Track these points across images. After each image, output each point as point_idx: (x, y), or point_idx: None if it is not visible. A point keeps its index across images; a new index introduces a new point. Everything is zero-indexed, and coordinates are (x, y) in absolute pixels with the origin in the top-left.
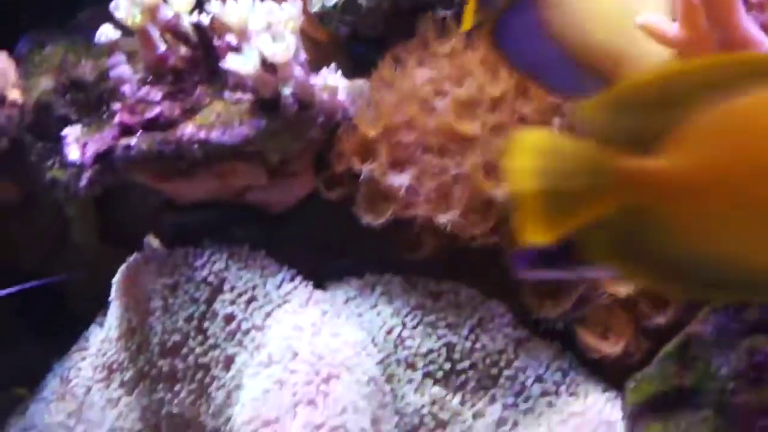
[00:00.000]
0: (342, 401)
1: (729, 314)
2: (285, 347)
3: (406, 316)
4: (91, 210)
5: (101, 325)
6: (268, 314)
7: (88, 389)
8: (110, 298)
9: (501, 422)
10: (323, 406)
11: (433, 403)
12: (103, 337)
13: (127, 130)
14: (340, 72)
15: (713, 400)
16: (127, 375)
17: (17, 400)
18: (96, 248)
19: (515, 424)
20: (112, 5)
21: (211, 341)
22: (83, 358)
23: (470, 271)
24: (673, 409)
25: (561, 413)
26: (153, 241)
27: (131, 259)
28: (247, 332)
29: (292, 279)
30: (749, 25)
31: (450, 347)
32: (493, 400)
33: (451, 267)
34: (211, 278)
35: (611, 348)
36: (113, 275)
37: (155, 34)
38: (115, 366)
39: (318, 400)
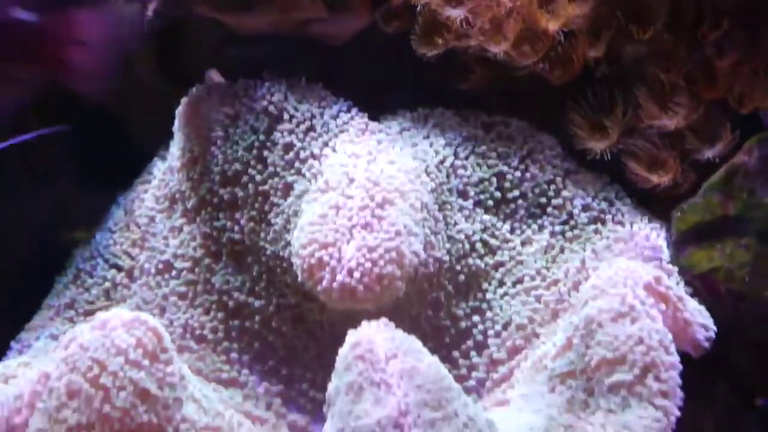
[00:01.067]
0: (396, 225)
1: None
2: (341, 174)
3: (458, 146)
4: (153, 46)
5: (163, 158)
6: (325, 143)
7: (151, 219)
8: (173, 129)
9: (548, 248)
10: (378, 229)
11: (484, 230)
12: (166, 168)
13: None
14: None
15: (756, 228)
16: (189, 204)
17: (77, 243)
18: (158, 83)
19: (562, 250)
20: None
21: (270, 169)
22: (146, 190)
23: (521, 104)
24: (717, 237)
25: (606, 239)
26: (214, 74)
27: (193, 90)
28: (305, 161)
29: (348, 110)
30: None
31: (500, 177)
32: (541, 228)
33: (503, 100)
34: (270, 108)
35: (659, 179)
36: (174, 111)
37: None
38: (177, 195)
39: (373, 223)
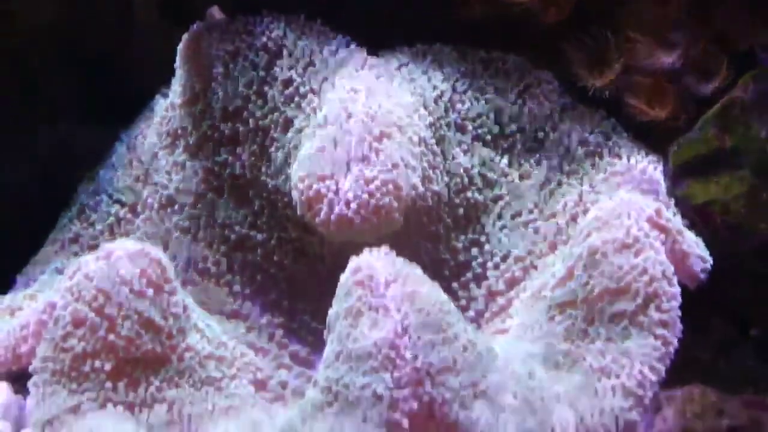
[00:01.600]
0: (393, 158)
1: None
2: (340, 108)
3: (457, 81)
4: None
5: (165, 95)
6: (324, 78)
7: (154, 155)
8: (175, 66)
9: (546, 182)
10: (375, 162)
11: (482, 164)
12: (168, 105)
13: None
14: None
15: (752, 161)
16: (191, 139)
17: (82, 180)
18: (158, 25)
19: (559, 183)
20: None
21: (270, 105)
22: (149, 127)
23: (519, 41)
24: (713, 170)
25: (603, 173)
26: (215, 11)
27: (194, 27)
28: (304, 96)
29: (347, 45)
30: None
31: (498, 111)
32: (539, 161)
33: (501, 37)
34: (269, 44)
35: (657, 112)
36: (175, 51)
37: None
38: (179, 132)
39: (370, 156)
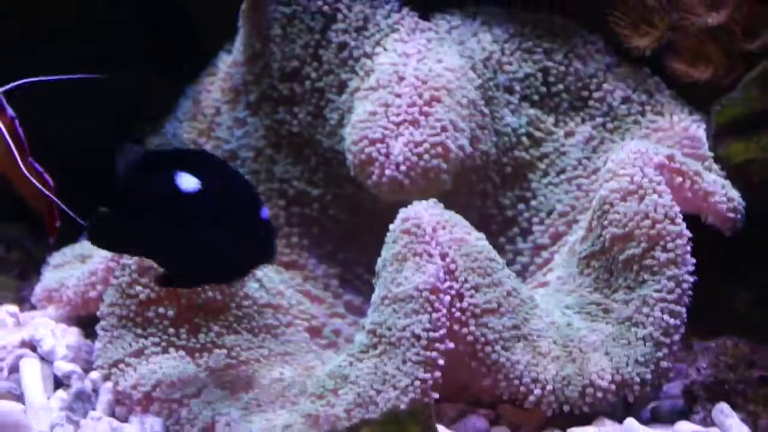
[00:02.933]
0: (442, 121)
1: None
2: (392, 72)
3: (505, 43)
4: None
5: (228, 52)
6: (377, 42)
7: (217, 110)
8: (238, 25)
9: (590, 139)
10: (424, 125)
11: (529, 123)
12: (231, 62)
13: None
14: None
15: None
16: (252, 97)
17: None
18: None
19: (602, 141)
20: None
21: (325, 67)
22: (212, 82)
23: (567, 2)
24: (754, 131)
25: (646, 129)
26: None
27: None
28: (358, 59)
29: (399, 9)
30: None
31: (545, 72)
32: (583, 120)
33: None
34: (325, 8)
35: (700, 74)
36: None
37: None
38: (241, 88)
39: (420, 120)
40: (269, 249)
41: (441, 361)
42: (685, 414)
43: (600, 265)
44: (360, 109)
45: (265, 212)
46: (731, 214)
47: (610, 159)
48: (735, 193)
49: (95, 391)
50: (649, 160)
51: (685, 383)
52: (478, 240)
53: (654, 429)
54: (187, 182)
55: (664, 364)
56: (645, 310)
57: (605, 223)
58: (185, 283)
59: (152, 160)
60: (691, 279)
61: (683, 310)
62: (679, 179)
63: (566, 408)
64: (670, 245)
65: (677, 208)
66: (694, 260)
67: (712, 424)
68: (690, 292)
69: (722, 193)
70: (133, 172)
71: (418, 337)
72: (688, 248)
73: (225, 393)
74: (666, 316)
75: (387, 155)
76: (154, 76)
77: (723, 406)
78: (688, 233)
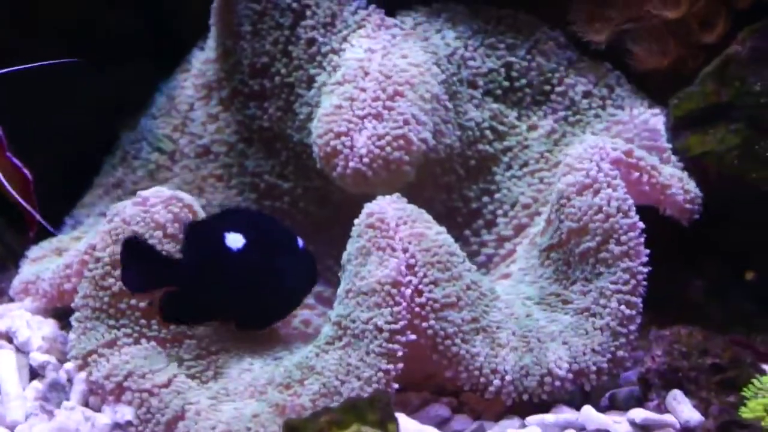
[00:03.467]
0: (405, 115)
1: (765, 35)
2: (357, 68)
3: (469, 39)
4: None
5: (201, 48)
6: (344, 38)
7: (191, 106)
8: (210, 23)
9: (552, 133)
10: (387, 119)
11: (493, 117)
12: (204, 59)
13: None
14: None
15: (746, 114)
16: (224, 93)
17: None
18: None
19: (564, 134)
20: None
21: (295, 63)
22: (186, 79)
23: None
24: (710, 123)
25: (606, 122)
26: None
27: None
28: (325, 54)
29: (366, 6)
30: None
31: (508, 67)
32: (545, 114)
33: None
34: (294, 5)
35: (659, 63)
36: None
37: None
38: (213, 85)
39: (383, 113)
40: (313, 273)
41: (401, 353)
42: (640, 401)
43: (558, 258)
44: (326, 103)
45: (301, 243)
46: (688, 206)
47: (568, 153)
48: (692, 185)
49: (70, 381)
50: (606, 155)
51: (641, 371)
52: (438, 234)
53: (610, 416)
54: (235, 241)
55: (620, 353)
56: (602, 301)
57: (562, 216)
58: (257, 326)
59: (198, 230)
60: (645, 270)
61: (639, 300)
62: (636, 174)
63: (525, 397)
64: (623, 238)
65: (631, 201)
66: (647, 251)
67: (666, 410)
68: (645, 283)
69: (679, 186)
70: (187, 247)
71: (381, 330)
72: (641, 240)
73: (195, 383)
74: (622, 307)
75: (351, 148)
76: (135, 73)
77: (676, 393)
78: (641, 225)
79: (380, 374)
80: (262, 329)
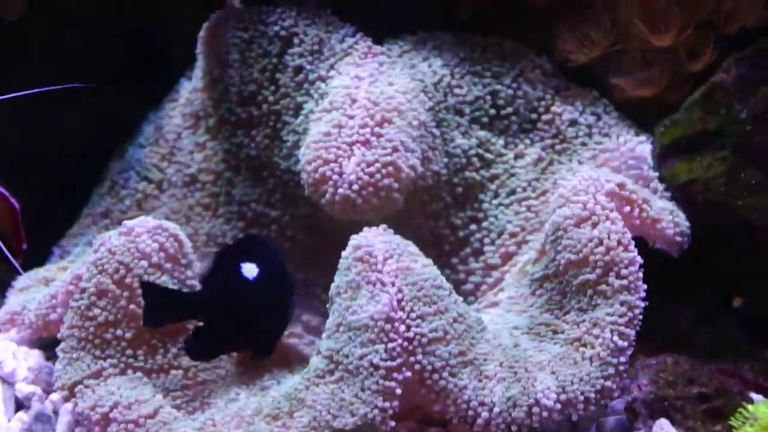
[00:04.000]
0: (393, 142)
1: (750, 63)
2: (345, 95)
3: (455, 67)
4: None
5: (189, 78)
6: (331, 66)
7: (178, 135)
8: (197, 52)
9: (539, 161)
10: (376, 145)
11: (479, 145)
12: (191, 88)
13: None
14: None
15: (733, 142)
16: (211, 122)
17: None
18: (200, 11)
19: (551, 162)
20: None
21: (282, 90)
22: (174, 108)
23: (516, 26)
24: (697, 150)
25: (593, 151)
26: (235, 0)
27: (213, 16)
28: (313, 82)
29: (353, 34)
30: None
31: (495, 95)
32: (532, 142)
33: (498, 22)
34: (282, 33)
35: (643, 92)
36: None
37: None
38: (201, 114)
39: (372, 140)
40: (291, 285)
41: (399, 391)
42: (628, 430)
43: (552, 288)
44: (314, 130)
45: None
46: (678, 239)
47: (561, 185)
48: (681, 218)
49: (55, 412)
50: (601, 187)
51: (627, 399)
52: (424, 267)
53: None
54: (250, 270)
55: (608, 383)
56: (595, 331)
57: (559, 248)
58: (269, 352)
59: (220, 261)
60: (643, 305)
61: (633, 333)
62: (628, 207)
63: (514, 428)
64: (623, 272)
65: (629, 235)
66: (645, 286)
67: None
68: (641, 317)
69: (669, 219)
70: (208, 281)
71: (377, 367)
72: (640, 275)
73: (181, 413)
74: (615, 338)
75: (340, 174)
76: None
77: (663, 422)
78: (640, 260)
79: (376, 411)
80: (270, 354)
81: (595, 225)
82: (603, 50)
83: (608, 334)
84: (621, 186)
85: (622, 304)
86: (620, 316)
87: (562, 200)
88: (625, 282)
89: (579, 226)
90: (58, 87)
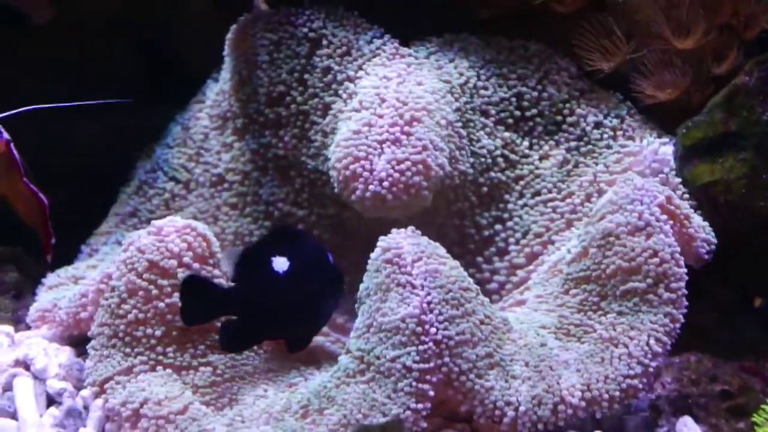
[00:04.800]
0: (423, 140)
1: None
2: (374, 95)
3: (481, 68)
4: None
5: (216, 80)
6: (360, 67)
7: (206, 136)
8: (224, 54)
9: (564, 163)
10: (406, 144)
11: (505, 146)
12: (219, 90)
13: None
14: None
15: (754, 143)
16: (239, 122)
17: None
18: (212, 14)
19: (576, 164)
20: None
21: (310, 91)
22: (201, 110)
23: (541, 29)
24: (719, 152)
25: (617, 154)
26: (261, 3)
27: (242, 18)
28: (341, 83)
29: (381, 36)
30: None
31: (520, 96)
32: (557, 143)
33: (523, 25)
34: (311, 35)
35: (666, 96)
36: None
37: None
38: (228, 115)
39: (402, 139)
40: (340, 288)
41: (432, 393)
42: (651, 427)
43: (592, 289)
44: (344, 129)
45: (330, 257)
46: (706, 257)
47: (612, 191)
48: (712, 235)
49: (86, 408)
50: (654, 198)
51: (651, 397)
52: (452, 270)
53: None
54: (281, 264)
55: (635, 382)
56: (633, 333)
57: (609, 253)
58: (305, 344)
59: (248, 257)
60: (683, 320)
61: (669, 343)
62: (671, 222)
63: (540, 426)
64: (673, 285)
65: (679, 251)
66: (687, 303)
67: None
68: (678, 331)
69: (703, 237)
70: (239, 275)
71: (410, 369)
72: (686, 292)
73: (210, 409)
74: (652, 341)
75: (371, 171)
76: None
77: (686, 420)
78: (686, 277)
79: (409, 413)
80: (307, 346)
81: (649, 236)
82: (624, 57)
83: (645, 337)
84: (669, 199)
85: (665, 315)
86: (662, 326)
87: (614, 207)
88: (673, 296)
89: (633, 235)
90: (98, 101)
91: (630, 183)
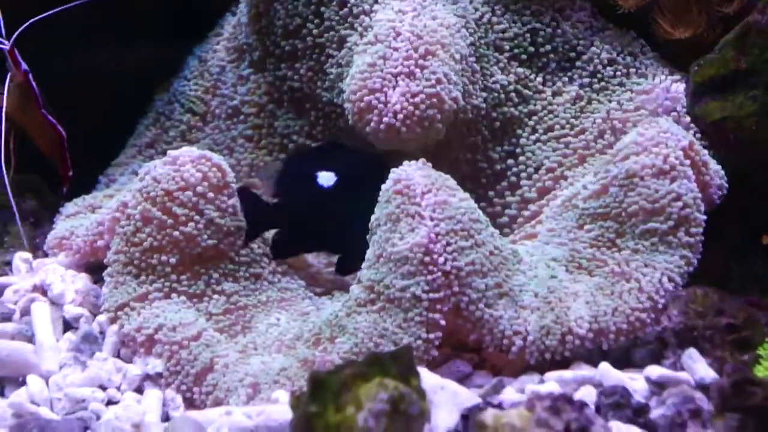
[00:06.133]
0: (437, 74)
1: None
2: (389, 28)
3: (496, 4)
4: None
5: (234, 13)
6: (375, 0)
7: (222, 68)
8: None
9: (577, 99)
10: (420, 77)
11: (518, 81)
12: (236, 22)
13: None
14: None
15: (765, 81)
16: (255, 55)
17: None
18: None
19: (589, 101)
20: None
21: (326, 24)
22: (218, 42)
23: None
24: (730, 90)
25: (630, 92)
26: None
27: None
28: (357, 16)
29: None
30: None
31: (534, 32)
32: (570, 80)
33: None
34: None
35: (681, 33)
36: None
37: None
38: (245, 47)
39: (416, 72)
40: None
41: (443, 322)
42: (657, 359)
43: (609, 226)
44: (359, 62)
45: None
46: (718, 201)
47: (636, 132)
48: (725, 179)
49: (102, 333)
50: (678, 142)
51: (657, 330)
52: (462, 201)
53: (627, 373)
54: (327, 179)
55: (643, 315)
56: (646, 270)
57: (632, 193)
58: (357, 264)
59: (291, 168)
60: (696, 264)
61: (681, 282)
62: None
63: (548, 356)
64: (693, 230)
65: (700, 197)
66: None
67: (682, 368)
68: (691, 272)
69: (717, 183)
70: (284, 188)
71: (419, 299)
72: (702, 237)
73: (223, 336)
74: (664, 279)
75: (385, 103)
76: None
77: (692, 352)
78: (704, 223)
79: (420, 342)
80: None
81: (673, 180)
82: None
83: (659, 275)
84: (691, 145)
85: (681, 257)
86: (677, 267)
87: (639, 148)
88: (691, 240)
89: (657, 177)
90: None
91: (655, 125)
